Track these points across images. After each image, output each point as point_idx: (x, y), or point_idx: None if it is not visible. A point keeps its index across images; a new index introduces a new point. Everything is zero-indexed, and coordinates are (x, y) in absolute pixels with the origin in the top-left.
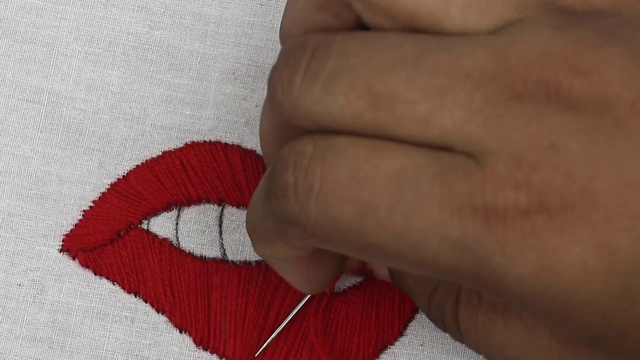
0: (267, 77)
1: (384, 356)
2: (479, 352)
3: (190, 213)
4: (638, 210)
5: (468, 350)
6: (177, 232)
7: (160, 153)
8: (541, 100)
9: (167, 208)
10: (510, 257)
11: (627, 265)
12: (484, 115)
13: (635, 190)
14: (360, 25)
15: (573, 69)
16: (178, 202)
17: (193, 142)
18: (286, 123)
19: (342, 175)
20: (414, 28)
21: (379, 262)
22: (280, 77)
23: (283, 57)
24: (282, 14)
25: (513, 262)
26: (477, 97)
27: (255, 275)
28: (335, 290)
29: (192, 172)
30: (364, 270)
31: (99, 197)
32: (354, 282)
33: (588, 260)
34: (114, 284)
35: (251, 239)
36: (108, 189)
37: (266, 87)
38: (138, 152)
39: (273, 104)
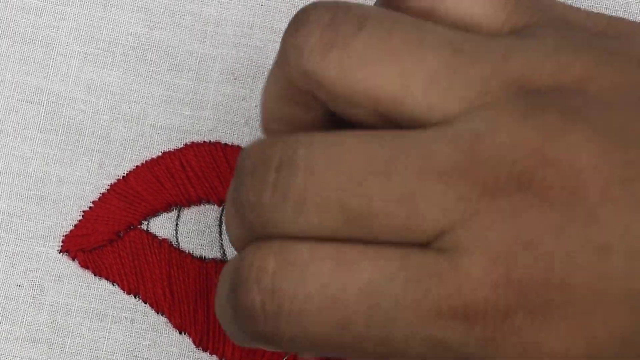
0: (266, 77)
1: None
2: None
3: (190, 214)
4: (613, 302)
5: None
6: (176, 233)
7: (160, 154)
8: (514, 194)
9: (166, 209)
10: (492, 355)
11: (607, 354)
12: (458, 214)
13: (610, 283)
14: (332, 115)
15: (543, 158)
16: (178, 202)
17: (193, 142)
18: (251, 230)
19: (311, 293)
20: (379, 113)
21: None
22: (247, 196)
23: (249, 172)
24: (282, 15)
25: (495, 357)
26: (451, 196)
27: None
28: None
29: (192, 172)
30: None
31: (99, 198)
32: None
33: (569, 350)
34: (113, 285)
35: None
36: (108, 190)
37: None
38: (138, 153)
39: (243, 222)
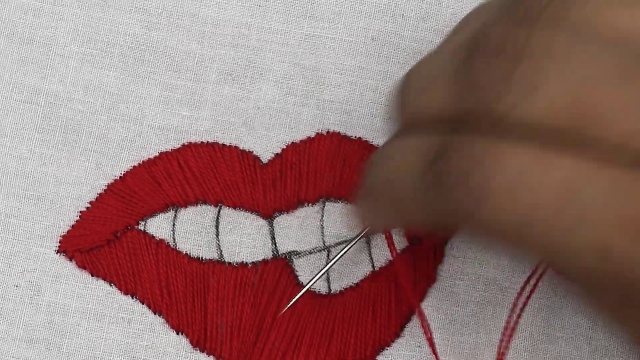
0: (264, 78)
1: (381, 358)
2: None
3: (187, 214)
4: None
5: (465, 352)
6: (174, 233)
7: (157, 154)
8: None
9: (164, 209)
10: None
11: None
12: None
13: None
14: None
15: None
16: (175, 203)
17: (190, 142)
18: (469, 102)
19: (512, 174)
20: None
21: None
22: (483, 69)
23: (493, 50)
24: (279, 16)
25: None
26: None
27: (251, 277)
28: (332, 291)
29: (190, 173)
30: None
31: (96, 198)
32: (351, 284)
33: None
34: (110, 285)
35: (365, 204)
36: (105, 190)
37: (263, 89)
38: (135, 153)
39: (467, 93)
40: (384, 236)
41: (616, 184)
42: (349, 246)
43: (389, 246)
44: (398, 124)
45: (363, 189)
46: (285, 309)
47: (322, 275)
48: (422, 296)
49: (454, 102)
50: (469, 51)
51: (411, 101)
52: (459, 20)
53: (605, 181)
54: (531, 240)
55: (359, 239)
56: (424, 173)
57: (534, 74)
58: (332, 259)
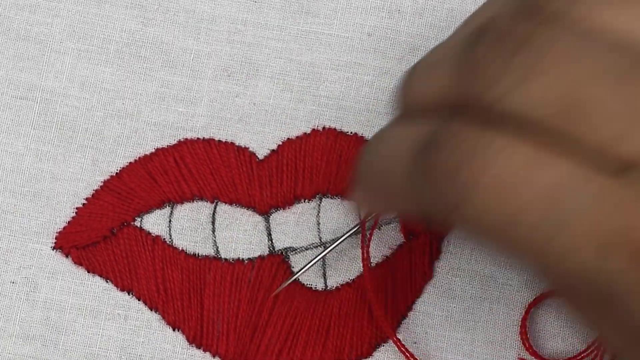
0: (260, 74)
1: (377, 354)
2: None
3: (184, 210)
4: None
5: (461, 349)
6: (170, 230)
7: (153, 150)
8: None
9: (160, 205)
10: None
11: None
12: None
13: None
14: None
15: None
16: (171, 199)
17: (186, 139)
18: (462, 87)
19: (498, 175)
20: None
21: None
22: (481, 55)
23: (494, 38)
24: (275, 12)
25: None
26: None
27: (248, 273)
28: (328, 287)
29: (186, 169)
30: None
31: (92, 195)
32: (347, 280)
33: None
34: (107, 282)
35: (358, 191)
36: (101, 186)
37: (259, 85)
38: (131, 150)
39: (461, 77)
40: (381, 235)
41: (601, 193)
42: (349, 233)
43: (362, 261)
44: (398, 111)
45: (357, 174)
46: (278, 289)
47: (320, 258)
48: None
49: (451, 88)
50: (473, 39)
51: (412, 88)
52: (456, 16)
53: (590, 190)
54: (512, 240)
55: (358, 227)
56: (413, 161)
57: (530, 65)
58: (331, 246)
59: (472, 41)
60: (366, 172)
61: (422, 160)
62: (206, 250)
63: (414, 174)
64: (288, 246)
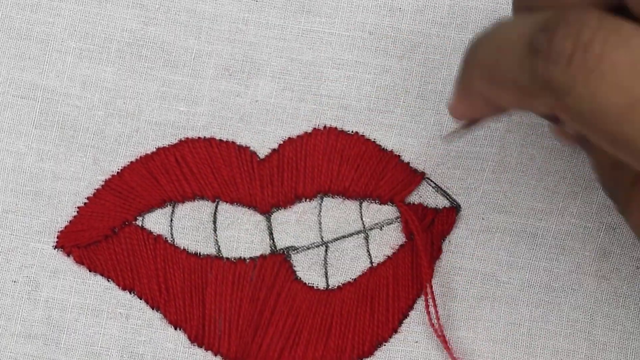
0: (261, 73)
1: (379, 353)
2: (637, 234)
3: (185, 209)
4: None
5: (461, 346)
6: (171, 229)
7: (154, 149)
8: None
9: (161, 204)
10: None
11: None
12: None
13: None
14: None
15: None
16: (172, 198)
17: (187, 138)
18: None
19: (623, 61)
20: None
21: (623, 155)
22: None
23: None
24: (276, 11)
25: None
26: None
27: (249, 272)
28: (330, 286)
29: (187, 168)
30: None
31: (94, 194)
32: (349, 279)
33: None
34: (108, 281)
35: (465, 82)
36: (102, 186)
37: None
38: (132, 149)
39: None
40: (383, 235)
41: None
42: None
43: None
44: (512, 10)
45: (462, 71)
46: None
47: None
48: (419, 290)
49: None
50: None
51: None
52: (457, 12)
53: None
54: (623, 133)
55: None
56: (528, 46)
57: None
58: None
59: None
60: (474, 64)
61: (537, 43)
62: (208, 249)
63: (526, 60)
64: (290, 245)
